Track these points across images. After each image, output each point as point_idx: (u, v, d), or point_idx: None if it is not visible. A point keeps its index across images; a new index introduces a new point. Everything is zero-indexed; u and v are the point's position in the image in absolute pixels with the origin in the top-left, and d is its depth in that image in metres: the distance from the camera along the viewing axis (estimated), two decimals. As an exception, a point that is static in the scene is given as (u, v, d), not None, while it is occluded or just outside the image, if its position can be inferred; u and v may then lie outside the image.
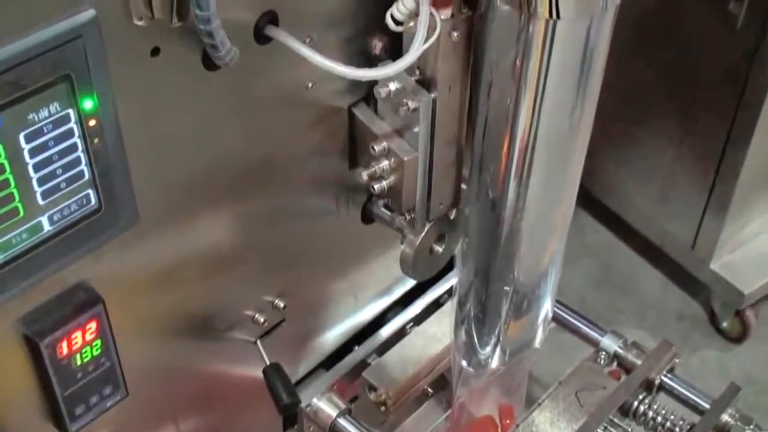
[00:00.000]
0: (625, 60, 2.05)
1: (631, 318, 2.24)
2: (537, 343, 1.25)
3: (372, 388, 1.33)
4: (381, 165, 1.06)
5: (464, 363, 1.25)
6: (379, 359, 1.36)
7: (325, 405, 1.29)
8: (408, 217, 1.11)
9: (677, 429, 1.28)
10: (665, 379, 1.33)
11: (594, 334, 1.40)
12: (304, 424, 1.32)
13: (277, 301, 1.16)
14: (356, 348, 1.36)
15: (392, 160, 1.06)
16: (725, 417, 1.29)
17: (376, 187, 1.08)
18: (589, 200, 2.42)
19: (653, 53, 1.98)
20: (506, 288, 1.15)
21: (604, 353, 1.37)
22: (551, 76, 0.94)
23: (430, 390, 1.52)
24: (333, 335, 1.32)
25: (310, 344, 1.29)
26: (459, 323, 1.23)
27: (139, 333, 1.02)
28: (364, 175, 1.07)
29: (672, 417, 1.29)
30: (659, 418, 1.29)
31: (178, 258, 1.01)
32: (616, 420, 1.28)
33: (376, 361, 1.36)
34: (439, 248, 1.18)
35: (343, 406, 1.30)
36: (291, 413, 1.13)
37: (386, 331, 1.38)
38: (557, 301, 1.44)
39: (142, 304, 1.01)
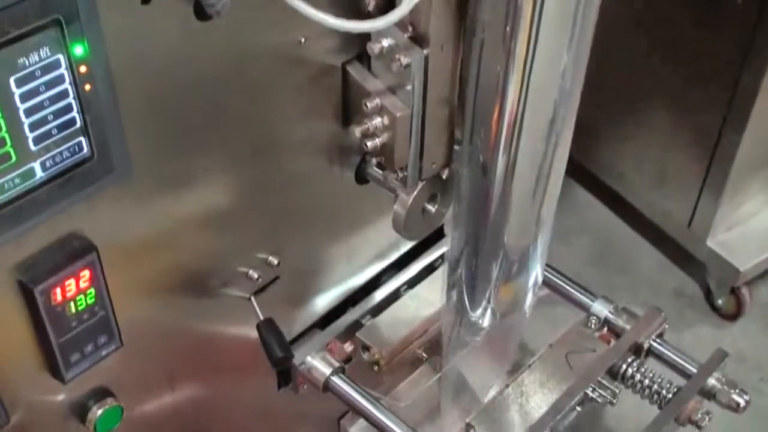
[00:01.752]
0: (623, 39, 2.04)
1: (627, 295, 2.21)
2: (527, 306, 1.24)
3: (365, 348, 1.32)
4: (374, 122, 1.05)
5: (456, 324, 1.24)
6: (373, 320, 1.35)
7: (318, 363, 1.28)
8: (400, 176, 1.10)
9: (664, 391, 1.27)
10: (654, 344, 1.32)
11: (585, 300, 1.38)
12: (298, 382, 1.31)
13: (270, 258, 1.15)
14: (351, 309, 1.34)
15: (385, 117, 1.04)
16: (712, 381, 1.27)
17: (369, 144, 1.06)
18: (588, 178, 2.40)
19: (652, 32, 1.96)
20: (496, 253, 1.14)
21: (594, 318, 1.36)
22: (541, 38, 0.93)
23: (424, 354, 1.50)
24: (327, 296, 1.31)
25: (304, 304, 1.28)
26: (450, 286, 1.22)
27: (133, 285, 1.01)
28: (357, 132, 1.05)
29: (659, 380, 1.28)
30: (646, 381, 1.28)
31: (172, 212, 1.00)
32: (604, 382, 1.26)
33: (370, 322, 1.35)
34: (431, 208, 1.16)
35: (336, 364, 1.29)
36: (283, 367, 1.12)
37: (380, 293, 1.36)
38: (550, 267, 1.43)
39: (136, 256, 0.99)
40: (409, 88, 1.01)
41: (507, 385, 1.27)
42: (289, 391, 1.33)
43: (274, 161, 1.08)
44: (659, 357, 1.32)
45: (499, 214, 1.09)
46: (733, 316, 2.12)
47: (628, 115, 2.16)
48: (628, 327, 1.34)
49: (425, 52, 0.99)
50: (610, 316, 1.35)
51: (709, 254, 2.06)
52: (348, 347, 1.34)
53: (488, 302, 1.20)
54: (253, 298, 1.16)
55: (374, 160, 1.11)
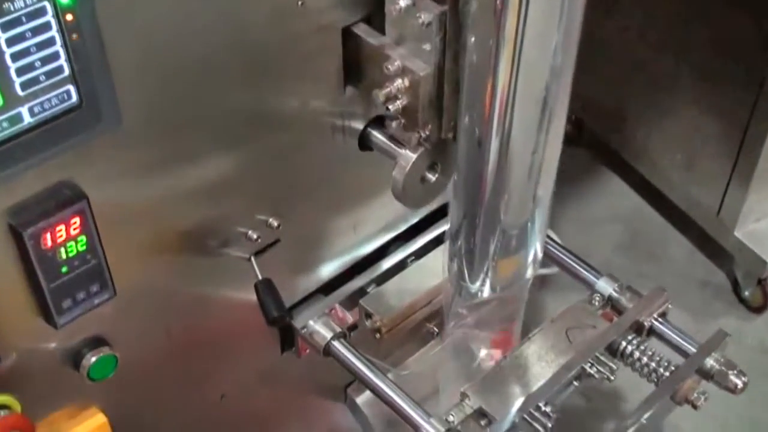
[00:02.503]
0: (653, 26, 2.00)
1: (654, 284, 2.18)
2: (527, 278, 1.22)
3: (368, 315, 1.32)
4: (395, 84, 1.04)
5: (455, 295, 1.23)
6: (378, 288, 1.34)
7: (320, 327, 1.28)
8: (423, 136, 1.08)
9: (661, 369, 1.24)
10: (656, 324, 1.29)
11: (590, 277, 1.36)
12: (300, 346, 1.32)
13: (270, 219, 1.15)
14: (356, 278, 1.34)
15: (406, 78, 1.03)
16: (710, 361, 1.24)
17: (391, 107, 1.05)
18: (621, 165, 2.36)
19: (685, 19, 1.92)
20: (493, 227, 1.13)
21: (598, 296, 1.34)
22: (531, 13, 0.92)
23: (435, 329, 1.49)
24: (332, 263, 1.30)
25: (307, 269, 1.28)
26: (451, 257, 1.21)
27: (128, 238, 1.02)
28: (381, 96, 1.04)
29: (658, 359, 1.25)
30: (645, 359, 1.25)
31: (165, 167, 1.00)
32: (603, 358, 1.24)
33: (374, 290, 1.34)
34: (431, 176, 1.15)
35: (338, 329, 1.29)
36: (279, 326, 1.12)
37: (387, 263, 1.36)
38: (557, 243, 1.41)
39: (130, 209, 1.00)
40: (427, 47, 1.01)
41: (505, 357, 1.26)
42: (294, 357, 1.34)
43: (271, 121, 1.07)
44: (661, 336, 1.29)
45: (494, 189, 1.08)
46: (759, 308, 2.07)
47: (660, 102, 2.13)
48: (631, 306, 1.31)
49: (444, 8, 0.98)
50: (614, 294, 1.33)
51: (737, 245, 2.02)
52: (353, 315, 1.34)
53: (486, 275, 1.19)
54: (253, 259, 1.16)
55: (393, 123, 1.09)
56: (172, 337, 1.15)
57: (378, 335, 1.32)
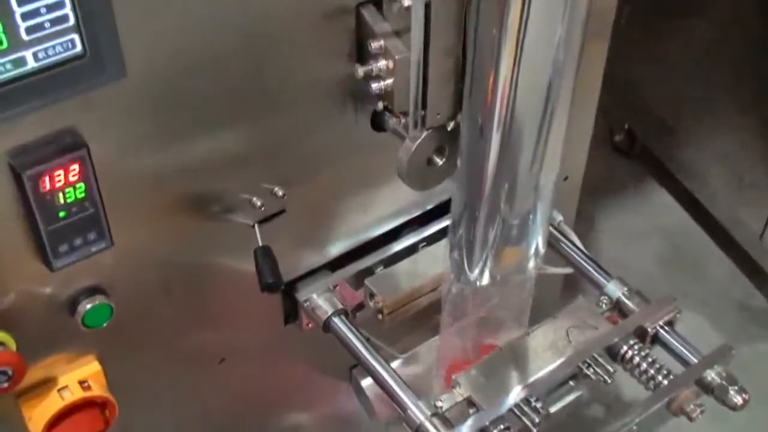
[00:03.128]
0: (713, 43, 1.97)
1: (692, 303, 2.15)
2: (529, 270, 1.22)
3: (371, 295, 1.32)
4: (378, 64, 1.06)
5: (455, 281, 1.23)
6: (385, 270, 1.35)
7: (323, 302, 1.29)
8: (402, 121, 1.10)
9: (660, 377, 1.22)
10: (661, 331, 1.27)
11: (600, 279, 1.34)
12: (304, 320, 1.33)
13: (276, 188, 1.16)
14: (365, 257, 1.35)
15: (387, 59, 1.05)
16: (711, 374, 1.21)
17: (373, 86, 1.07)
18: (668, 178, 2.33)
19: (736, 35, 1.88)
20: (494, 216, 1.13)
21: (606, 298, 1.32)
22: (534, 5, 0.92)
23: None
24: (340, 241, 1.31)
25: (315, 244, 1.29)
26: (452, 247, 1.21)
27: (128, 193, 1.04)
28: (360, 72, 1.06)
29: (657, 366, 1.23)
30: (644, 365, 1.23)
31: (168, 125, 1.02)
32: (601, 360, 1.23)
33: (381, 272, 1.35)
34: (438, 160, 1.15)
35: (339, 306, 1.30)
36: (272, 293, 1.13)
37: (397, 246, 1.36)
38: (570, 242, 1.40)
39: (131, 164, 1.02)
40: (410, 31, 1.01)
41: (501, 348, 1.26)
42: (299, 330, 1.35)
43: (281, 93, 1.09)
44: (665, 345, 1.27)
45: (495, 179, 1.08)
46: (796, 335, 2.02)
47: (713, 119, 2.09)
48: (637, 311, 1.29)
49: (427, -3, 0.99)
50: (623, 298, 1.31)
51: (778, 269, 1.98)
52: (360, 296, 1.35)
53: (485, 264, 1.18)
54: (256, 227, 1.18)
55: (380, 104, 1.11)
56: (172, 296, 1.17)
57: (380, 316, 1.33)
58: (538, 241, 1.19)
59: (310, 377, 1.46)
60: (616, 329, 1.26)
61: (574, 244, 1.40)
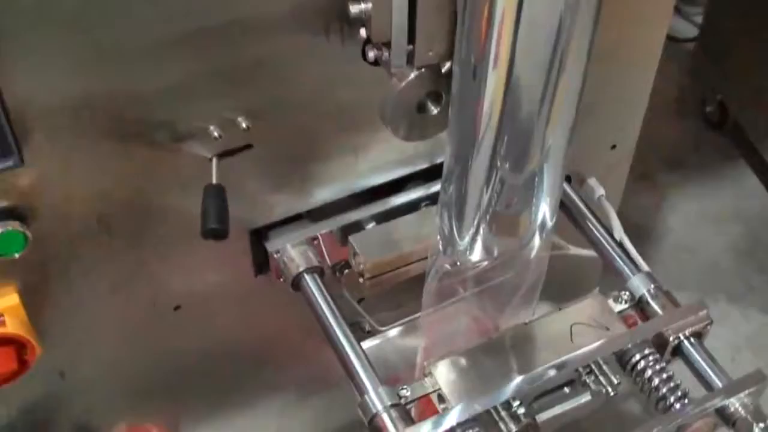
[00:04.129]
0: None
1: (759, 299, 1.90)
2: (533, 249, 1.01)
3: (355, 254, 1.14)
4: (362, -14, 0.86)
5: (441, 252, 1.03)
6: (375, 227, 1.16)
7: (296, 255, 1.12)
8: (383, 55, 0.90)
9: (672, 398, 1.01)
10: (685, 343, 1.05)
11: (625, 269, 1.13)
12: (275, 272, 1.16)
13: (239, 119, 0.98)
14: (355, 210, 1.16)
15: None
16: (736, 404, 0.99)
17: (352, 8, 0.88)
18: (757, 160, 2.06)
19: None
20: (489, 174, 0.93)
21: (627, 293, 1.10)
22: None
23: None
24: (324, 188, 1.12)
25: (292, 188, 1.10)
26: (442, 207, 1.01)
27: (49, 108, 0.87)
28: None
29: (672, 385, 1.02)
30: (656, 381, 1.02)
31: (104, 19, 0.85)
32: (605, 368, 1.02)
33: (371, 228, 1.16)
34: (432, 107, 0.95)
35: (315, 262, 1.12)
36: (213, 239, 0.96)
37: (394, 200, 1.17)
38: (599, 223, 1.18)
39: (55, 76, 0.85)
40: None
41: (490, 338, 1.06)
42: (272, 283, 1.17)
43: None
44: (687, 360, 1.05)
45: (489, 128, 0.88)
46: None
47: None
48: (661, 314, 1.08)
49: None
50: (646, 296, 1.09)
51: None
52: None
53: (477, 232, 0.98)
54: (215, 161, 1.00)
55: (362, 31, 0.91)
56: (113, 233, 1.01)
57: (361, 279, 1.14)
58: (544, 212, 0.99)
59: (288, 336, 1.29)
60: (630, 333, 1.05)
61: (600, 225, 1.18)
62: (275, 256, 1.13)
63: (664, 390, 1.02)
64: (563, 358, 1.02)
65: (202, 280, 1.14)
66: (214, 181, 0.99)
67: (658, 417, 1.00)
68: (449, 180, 0.97)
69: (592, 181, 1.35)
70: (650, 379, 1.03)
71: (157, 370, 1.21)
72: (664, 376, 1.02)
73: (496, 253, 1.02)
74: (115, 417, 1.25)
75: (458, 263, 1.03)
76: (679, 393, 1.01)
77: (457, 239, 1.01)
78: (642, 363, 1.03)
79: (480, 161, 0.91)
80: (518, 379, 1.00)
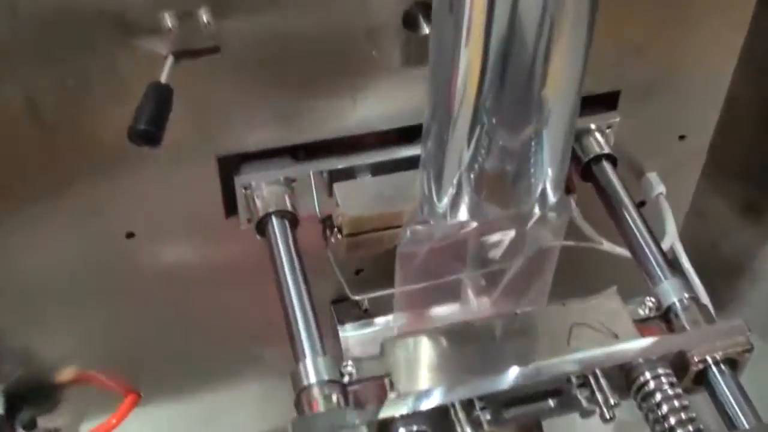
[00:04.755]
0: None
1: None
2: (529, 218, 0.82)
3: (336, 205, 0.96)
4: None
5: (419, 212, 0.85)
6: (368, 179, 0.98)
7: (267, 194, 0.95)
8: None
9: (678, 432, 0.79)
10: (713, 370, 0.82)
11: (657, 271, 0.91)
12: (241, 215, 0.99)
13: (200, 11, 0.82)
14: (348, 155, 0.98)
15: None
16: (762, 456, 0.77)
17: None
18: None
19: None
20: (473, 127, 0.74)
21: (653, 301, 0.88)
22: None
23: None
24: (314, 124, 0.95)
25: (274, 116, 0.94)
26: (421, 165, 0.83)
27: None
28: None
29: (686, 418, 0.79)
30: (665, 409, 0.80)
31: None
32: (603, 382, 0.81)
33: (363, 179, 0.98)
34: (425, 25, 0.77)
35: (288, 207, 0.95)
36: (143, 144, 0.80)
37: (398, 152, 0.98)
38: (637, 213, 0.97)
39: None
40: None
41: (468, 322, 0.86)
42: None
43: None
44: (713, 392, 0.83)
45: (470, 80, 0.70)
46: None
47: None
48: (689, 330, 0.85)
49: None
50: (677, 306, 0.87)
51: None
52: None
53: (457, 190, 0.80)
54: (170, 59, 0.84)
55: None
56: (42, 124, 0.86)
57: (340, 236, 0.97)
58: (545, 185, 0.79)
59: (268, 306, 1.11)
60: (646, 346, 0.83)
61: (639, 216, 0.96)
62: (244, 192, 0.96)
63: (672, 421, 0.79)
64: (553, 361, 0.81)
65: (161, 209, 0.98)
66: (163, 80, 0.83)
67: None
68: (428, 134, 0.79)
69: (652, 176, 1.13)
70: (658, 406, 0.80)
71: (112, 313, 1.06)
72: (677, 404, 0.80)
73: (482, 217, 0.82)
74: (64, 361, 1.11)
75: (431, 222, 0.84)
76: (692, 429, 0.79)
77: (435, 200, 0.82)
78: (651, 385, 0.81)
79: (463, 113, 0.73)
80: (492, 378, 0.80)
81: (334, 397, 0.80)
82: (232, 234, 1.01)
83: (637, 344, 0.83)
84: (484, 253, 0.90)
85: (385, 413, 0.77)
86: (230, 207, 1.00)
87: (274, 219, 0.94)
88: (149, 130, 0.79)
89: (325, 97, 0.94)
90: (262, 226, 0.94)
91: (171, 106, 0.81)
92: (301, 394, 0.80)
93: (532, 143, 0.75)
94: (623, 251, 0.98)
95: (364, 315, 1.14)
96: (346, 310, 1.15)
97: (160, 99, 0.81)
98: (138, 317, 1.08)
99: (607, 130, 1.03)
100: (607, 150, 1.01)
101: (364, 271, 1.12)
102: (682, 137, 1.12)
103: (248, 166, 0.96)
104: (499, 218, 0.81)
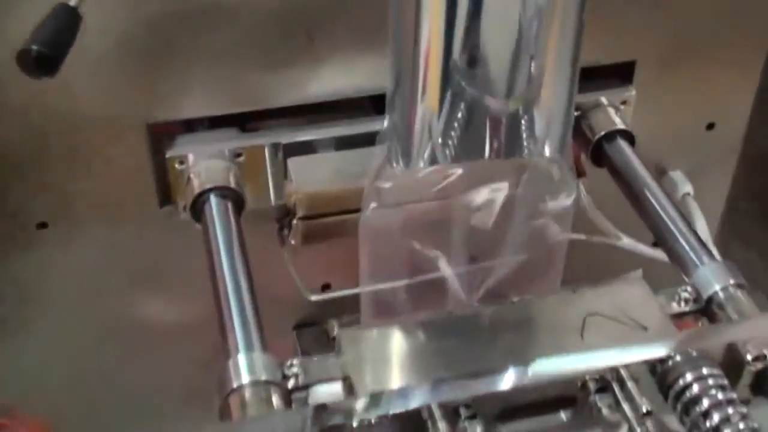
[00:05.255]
0: None
1: None
2: (523, 169, 0.64)
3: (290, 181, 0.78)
4: None
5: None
6: (329, 153, 0.80)
7: (206, 169, 0.77)
8: None
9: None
10: (778, 374, 0.63)
11: (692, 258, 0.72)
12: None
13: None
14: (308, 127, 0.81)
15: None
16: None
17: None
18: None
19: None
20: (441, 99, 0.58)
21: (688, 291, 0.69)
22: None
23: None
24: (262, 88, 0.78)
25: (211, 77, 0.76)
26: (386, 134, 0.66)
27: None
28: None
29: (740, 426, 0.59)
30: (715, 418, 0.60)
31: None
32: (633, 387, 0.61)
33: (322, 154, 0.80)
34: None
35: (232, 184, 0.76)
36: (34, 68, 0.62)
37: (366, 124, 0.81)
38: (663, 194, 0.79)
39: None
40: None
41: (450, 312, 0.67)
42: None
43: None
44: (776, 399, 0.63)
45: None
46: None
47: None
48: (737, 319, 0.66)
49: None
50: (720, 296, 0.68)
51: None
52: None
53: (429, 133, 0.62)
54: (79, -19, 0.67)
55: None
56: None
57: (295, 222, 0.78)
58: (547, 119, 0.62)
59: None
60: (684, 338, 0.64)
61: (661, 202, 0.78)
62: (178, 168, 0.78)
63: (717, 420, 0.59)
64: (558, 357, 0.61)
65: (78, 193, 0.80)
66: (72, 2, 0.66)
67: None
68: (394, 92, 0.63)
69: (676, 175, 0.95)
70: (706, 415, 0.60)
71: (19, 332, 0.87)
72: (731, 411, 0.60)
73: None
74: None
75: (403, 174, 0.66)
76: (743, 426, 0.59)
77: (400, 155, 0.65)
78: (696, 388, 0.61)
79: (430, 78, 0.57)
80: (481, 379, 0.60)
81: (275, 402, 0.60)
82: (168, 227, 0.82)
83: (672, 336, 0.63)
84: (474, 235, 0.71)
85: (337, 419, 0.57)
86: (164, 193, 0.81)
87: (212, 198, 0.75)
88: (40, 51, 0.61)
89: (279, 57, 0.77)
90: (198, 208, 0.76)
91: (75, 35, 0.64)
92: (228, 398, 0.60)
93: (521, 114, 0.58)
94: (648, 249, 0.80)
95: (332, 342, 0.94)
96: (312, 337, 0.95)
97: (65, 23, 0.64)
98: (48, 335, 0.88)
99: (622, 106, 0.86)
100: (621, 125, 0.83)
101: (331, 287, 0.92)
102: (710, 126, 0.94)
103: (184, 138, 0.79)
104: (487, 165, 0.63)
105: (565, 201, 0.73)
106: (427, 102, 0.63)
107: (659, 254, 0.79)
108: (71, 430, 0.93)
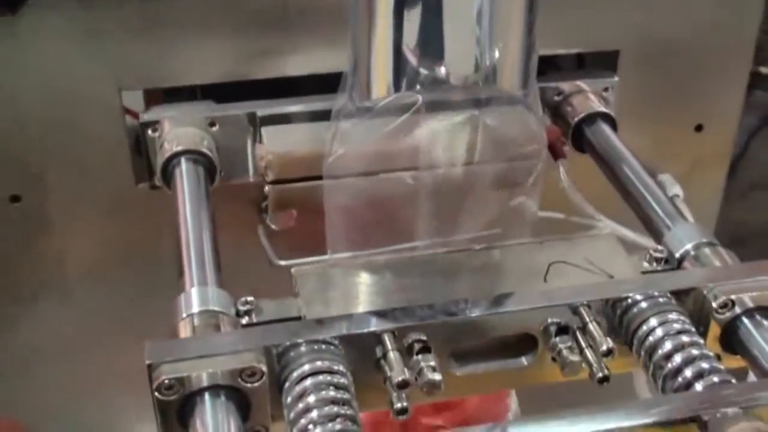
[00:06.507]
0: None
1: None
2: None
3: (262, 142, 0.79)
4: None
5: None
6: (305, 124, 0.80)
7: (179, 134, 0.78)
8: None
9: (693, 371, 0.56)
10: (745, 322, 0.60)
11: (665, 221, 0.71)
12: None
13: None
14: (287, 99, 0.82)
15: None
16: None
17: None
18: None
19: None
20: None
21: (659, 251, 0.68)
22: None
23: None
24: (237, 63, 0.79)
25: (187, 44, 0.78)
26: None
27: None
28: None
29: (703, 365, 0.57)
30: (677, 359, 0.58)
31: None
32: (593, 327, 0.59)
33: (298, 124, 0.80)
34: None
35: (204, 149, 0.77)
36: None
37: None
38: (642, 167, 0.78)
39: None
40: None
41: (412, 256, 0.66)
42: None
43: None
44: (743, 346, 0.60)
45: None
46: None
47: None
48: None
49: None
50: (691, 255, 0.66)
51: None
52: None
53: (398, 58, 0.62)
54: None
55: None
56: None
57: (267, 188, 0.78)
58: (517, 41, 0.62)
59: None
60: (648, 280, 0.63)
61: (637, 172, 0.77)
62: (150, 133, 0.79)
63: (690, 374, 0.57)
64: (518, 293, 0.60)
65: (51, 165, 0.81)
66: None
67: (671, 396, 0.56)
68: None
69: (665, 177, 0.94)
70: (668, 357, 0.58)
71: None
72: (695, 352, 0.58)
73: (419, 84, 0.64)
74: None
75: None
76: (706, 366, 0.57)
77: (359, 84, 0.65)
78: (659, 331, 0.59)
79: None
80: (422, 306, 0.59)
81: (223, 330, 0.59)
82: (145, 204, 0.83)
83: (636, 279, 0.62)
84: (442, 184, 0.69)
85: (285, 337, 0.56)
86: (141, 169, 0.82)
87: (183, 162, 0.76)
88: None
89: (256, 29, 0.79)
90: (169, 172, 0.76)
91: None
92: (178, 326, 0.59)
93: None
94: (627, 231, 0.79)
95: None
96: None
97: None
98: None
99: (604, 92, 0.86)
100: (602, 108, 0.83)
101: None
102: (698, 128, 0.94)
103: (160, 107, 0.80)
104: (447, 93, 0.62)
105: (532, 145, 0.70)
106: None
107: (640, 238, 0.78)
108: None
